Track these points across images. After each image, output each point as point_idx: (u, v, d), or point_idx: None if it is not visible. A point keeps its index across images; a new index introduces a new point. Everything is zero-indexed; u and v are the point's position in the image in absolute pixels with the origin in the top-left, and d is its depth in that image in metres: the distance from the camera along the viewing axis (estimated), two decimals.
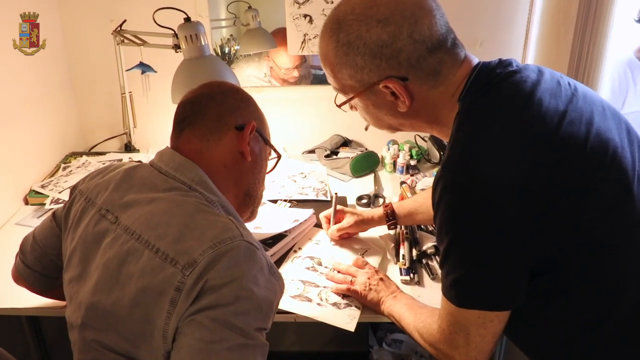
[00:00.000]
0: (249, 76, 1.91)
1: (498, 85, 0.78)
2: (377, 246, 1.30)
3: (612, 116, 0.80)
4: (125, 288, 0.73)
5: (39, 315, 1.32)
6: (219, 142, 0.87)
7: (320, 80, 1.82)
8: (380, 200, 1.53)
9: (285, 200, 1.48)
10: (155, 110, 1.80)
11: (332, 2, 1.67)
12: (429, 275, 1.18)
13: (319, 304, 1.09)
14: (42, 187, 1.55)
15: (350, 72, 0.81)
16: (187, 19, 1.23)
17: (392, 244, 1.29)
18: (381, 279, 1.11)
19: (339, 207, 1.31)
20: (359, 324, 1.05)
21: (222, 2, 1.80)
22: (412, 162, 1.70)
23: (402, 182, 1.57)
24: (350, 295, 1.11)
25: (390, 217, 1.27)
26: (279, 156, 1.01)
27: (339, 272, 1.17)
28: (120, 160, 1.69)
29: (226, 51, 1.91)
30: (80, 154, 1.77)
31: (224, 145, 0.87)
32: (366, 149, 1.76)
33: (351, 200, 1.52)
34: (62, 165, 1.68)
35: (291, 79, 1.86)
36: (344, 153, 1.73)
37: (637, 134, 0.83)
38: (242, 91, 0.94)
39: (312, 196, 1.52)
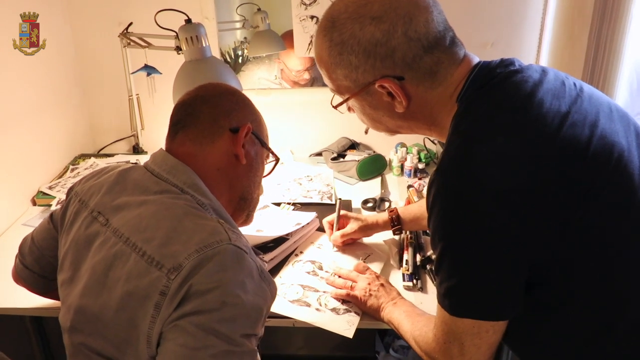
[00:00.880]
0: (260, 78, 1.90)
1: (497, 85, 0.75)
2: (381, 251, 1.27)
3: (619, 118, 0.76)
4: (112, 292, 0.72)
5: (42, 315, 1.32)
6: (213, 145, 0.86)
7: None
8: (386, 204, 1.50)
9: (288, 203, 1.46)
10: (162, 112, 1.79)
11: None
12: (433, 282, 1.15)
13: (317, 309, 1.07)
14: (50, 188, 1.56)
15: (345, 72, 0.79)
16: (188, 21, 1.22)
17: (396, 249, 1.26)
18: (382, 285, 1.08)
19: (342, 212, 1.28)
20: (365, 330, 1.02)
21: (231, 5, 1.80)
22: (420, 166, 1.67)
23: (409, 186, 1.54)
24: (350, 301, 1.08)
25: (396, 222, 1.24)
26: (277, 159, 0.99)
27: (339, 276, 1.15)
28: (128, 162, 1.70)
29: (239, 53, 1.92)
30: (89, 156, 1.78)
31: (218, 148, 0.86)
32: (374, 152, 1.74)
33: (356, 204, 1.50)
34: (71, 167, 1.69)
35: (302, 81, 1.84)
36: (351, 156, 1.71)
37: None
38: (239, 93, 0.93)
39: (316, 199, 1.50)
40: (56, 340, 1.47)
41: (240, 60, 2.04)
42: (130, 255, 0.72)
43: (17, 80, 1.47)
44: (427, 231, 1.31)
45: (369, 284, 1.08)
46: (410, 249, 1.22)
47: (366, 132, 0.94)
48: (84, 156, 1.79)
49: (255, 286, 0.72)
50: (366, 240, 1.30)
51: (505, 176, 0.67)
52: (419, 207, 1.24)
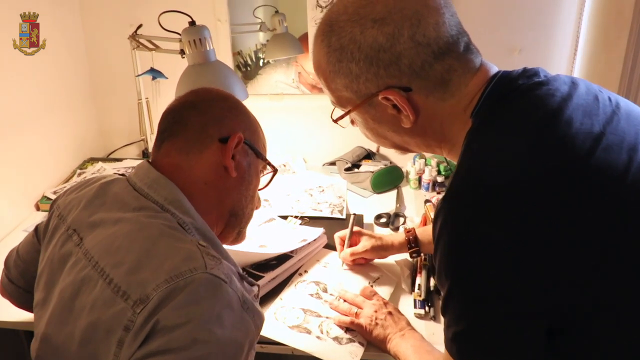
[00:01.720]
0: (277, 82, 1.84)
1: (518, 98, 0.65)
2: (391, 273, 1.17)
3: None
4: (77, 322, 0.65)
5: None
6: (200, 156, 0.78)
7: None
8: (401, 220, 1.40)
9: (296, 217, 1.38)
10: None
11: None
12: None
13: (318, 337, 0.98)
14: (54, 193, 1.52)
15: (345, 82, 0.70)
16: (192, 23, 1.16)
17: (408, 272, 1.16)
18: (389, 313, 0.99)
19: (356, 228, 1.19)
20: None
21: (249, 7, 1.74)
22: (440, 179, 1.56)
23: (427, 201, 1.43)
24: (354, 330, 0.99)
25: (413, 244, 1.14)
26: (274, 171, 0.91)
27: (345, 300, 1.06)
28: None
29: (261, 56, 1.86)
30: (98, 160, 1.74)
31: (206, 159, 0.78)
32: (390, 163, 1.63)
33: (368, 219, 1.40)
34: (78, 171, 1.66)
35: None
36: (365, 166, 1.61)
37: None
38: (232, 99, 0.85)
39: (326, 213, 1.41)
40: None
41: (261, 64, 1.98)
42: (97, 282, 0.65)
43: (19, 80, 1.43)
44: None
45: (376, 311, 0.99)
46: (423, 273, 1.12)
47: (377, 149, 0.85)
48: (94, 160, 1.75)
49: (235, 319, 0.64)
50: (377, 260, 1.21)
51: (524, 208, 0.57)
52: None
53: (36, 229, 0.90)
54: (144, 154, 1.78)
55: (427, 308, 1.04)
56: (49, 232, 0.82)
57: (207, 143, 0.78)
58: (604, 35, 1.39)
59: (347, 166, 1.64)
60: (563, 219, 0.57)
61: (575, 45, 1.50)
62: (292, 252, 1.18)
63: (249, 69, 1.94)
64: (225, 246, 0.80)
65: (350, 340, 0.97)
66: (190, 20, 1.17)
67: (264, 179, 0.91)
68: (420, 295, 1.07)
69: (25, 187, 1.48)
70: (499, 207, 0.58)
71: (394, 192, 1.57)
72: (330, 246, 1.25)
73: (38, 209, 1.50)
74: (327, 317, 1.03)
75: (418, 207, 1.48)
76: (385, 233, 1.35)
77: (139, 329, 0.59)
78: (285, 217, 1.38)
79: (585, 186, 0.58)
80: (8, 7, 1.32)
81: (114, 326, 0.61)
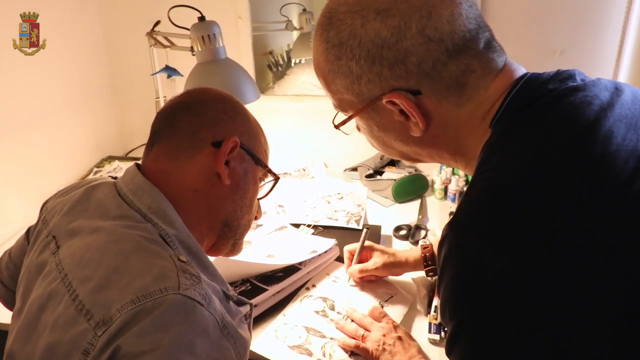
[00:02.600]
0: (304, 82, 1.77)
1: (546, 107, 0.54)
2: (407, 291, 1.08)
3: None
4: (38, 341, 0.59)
5: None
6: (191, 161, 0.72)
7: None
8: (422, 233, 1.30)
9: (308, 226, 1.30)
10: None
11: None
12: None
13: None
14: None
15: (345, 83, 0.62)
16: (201, 18, 1.10)
17: (425, 291, 1.06)
18: (399, 338, 0.89)
19: (368, 243, 1.10)
20: None
21: (275, 4, 1.68)
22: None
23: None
24: (359, 354, 0.91)
25: (430, 262, 1.04)
26: (276, 178, 0.83)
27: (352, 320, 0.97)
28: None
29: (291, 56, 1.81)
30: (115, 159, 1.72)
31: (197, 164, 0.72)
32: (415, 170, 1.53)
33: (387, 230, 1.31)
34: (95, 170, 1.64)
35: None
36: (388, 174, 1.52)
37: None
38: (230, 99, 0.78)
39: (342, 222, 1.33)
40: None
41: (292, 64, 1.93)
42: (63, 297, 0.59)
43: (34, 80, 1.41)
44: None
45: (384, 335, 0.90)
46: None
47: (381, 157, 0.76)
48: (112, 158, 1.73)
49: (211, 346, 0.57)
50: (392, 277, 1.12)
51: (546, 239, 0.47)
52: None
53: (28, 230, 0.86)
54: None
55: (442, 333, 0.95)
56: (33, 236, 0.78)
57: (199, 147, 0.72)
58: None
59: (368, 172, 1.55)
60: (594, 256, 0.46)
61: (621, 48, 1.36)
62: (300, 263, 1.11)
63: (280, 68, 1.89)
64: (230, 257, 0.73)
65: None
66: (199, 15, 1.11)
67: (264, 188, 0.84)
68: (436, 319, 0.97)
69: (40, 186, 1.46)
70: (514, 240, 0.48)
71: (417, 202, 1.46)
72: (342, 259, 1.16)
73: None
74: (331, 339, 0.95)
75: (442, 219, 1.37)
76: (403, 246, 1.25)
77: (98, 355, 0.53)
78: (297, 226, 1.31)
79: (625, 216, 0.47)
80: (8, 7, 1.31)
81: (72, 349, 0.54)
